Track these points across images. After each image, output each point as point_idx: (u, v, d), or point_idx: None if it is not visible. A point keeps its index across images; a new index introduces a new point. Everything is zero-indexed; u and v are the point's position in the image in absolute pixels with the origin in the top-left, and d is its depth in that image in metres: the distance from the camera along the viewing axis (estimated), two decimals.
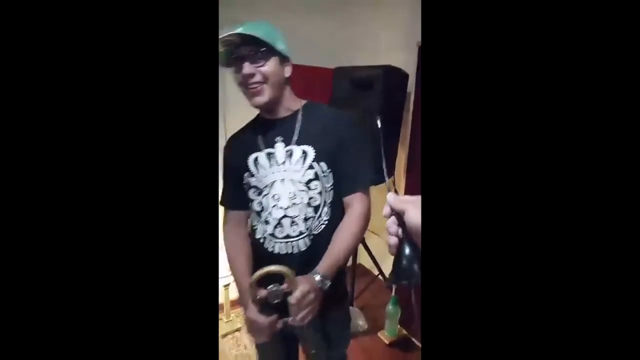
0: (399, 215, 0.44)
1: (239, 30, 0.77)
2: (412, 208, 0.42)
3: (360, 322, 1.98)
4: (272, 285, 0.77)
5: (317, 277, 0.78)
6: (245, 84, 0.82)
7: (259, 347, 1.06)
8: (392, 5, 2.05)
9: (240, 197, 0.94)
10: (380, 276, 2.17)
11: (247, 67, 0.80)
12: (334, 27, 1.98)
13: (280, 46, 0.82)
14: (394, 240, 0.43)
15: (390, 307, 1.84)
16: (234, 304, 2.05)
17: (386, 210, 0.45)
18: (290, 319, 0.75)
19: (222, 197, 0.99)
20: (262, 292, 0.77)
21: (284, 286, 0.75)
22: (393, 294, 1.95)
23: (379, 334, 1.91)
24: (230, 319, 2.02)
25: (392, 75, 1.68)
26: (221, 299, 1.96)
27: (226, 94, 1.80)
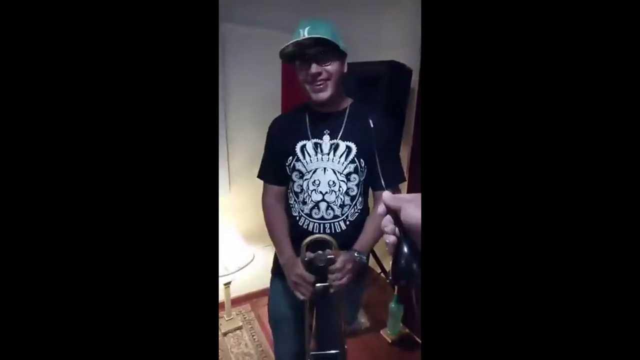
0: (395, 213, 0.43)
1: (307, 30, 0.85)
2: (409, 206, 0.42)
3: (362, 320, 1.97)
4: (320, 251, 0.92)
5: (355, 254, 0.94)
6: (311, 81, 0.90)
7: (276, 309, 1.16)
8: (395, 1, 2.02)
9: (280, 174, 1.04)
10: (382, 274, 2.16)
11: (315, 67, 0.88)
12: (336, 23, 1.96)
13: (341, 44, 0.90)
14: (392, 239, 0.43)
15: (392, 305, 1.83)
16: (235, 302, 2.04)
17: (381, 208, 0.45)
18: (328, 283, 0.90)
19: (261, 171, 1.11)
20: (311, 255, 0.91)
21: (329, 253, 0.90)
22: (395, 292, 1.94)
23: (381, 332, 1.90)
24: (232, 317, 2.01)
25: (396, 71, 1.66)
26: (222, 297, 1.95)
27: (227, 88, 1.78)
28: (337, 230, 1.00)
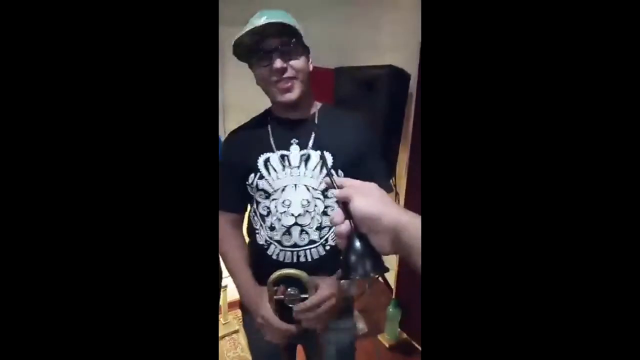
0: (344, 205, 0.42)
1: (264, 20, 0.70)
2: (358, 196, 0.41)
3: (360, 325, 1.96)
4: (290, 289, 0.76)
5: (342, 281, 0.78)
6: (276, 80, 0.75)
7: (255, 346, 1.03)
8: (393, 4, 2.04)
9: (234, 199, 0.88)
10: (379, 279, 2.16)
11: (279, 62, 0.73)
12: (335, 27, 1.97)
13: (304, 38, 0.76)
14: (343, 228, 0.41)
15: (390, 309, 1.82)
16: (231, 306, 2.03)
17: (323, 181, 0.43)
18: (304, 324, 0.76)
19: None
20: (280, 294, 0.76)
21: (304, 295, 0.75)
22: (393, 296, 1.94)
23: (379, 336, 1.90)
24: (228, 320, 2.00)
25: (394, 76, 1.67)
26: (220, 301, 1.94)
27: (225, 93, 1.78)
28: (315, 257, 0.82)
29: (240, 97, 1.71)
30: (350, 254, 0.41)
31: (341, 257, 0.43)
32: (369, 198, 0.41)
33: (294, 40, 0.74)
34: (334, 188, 0.45)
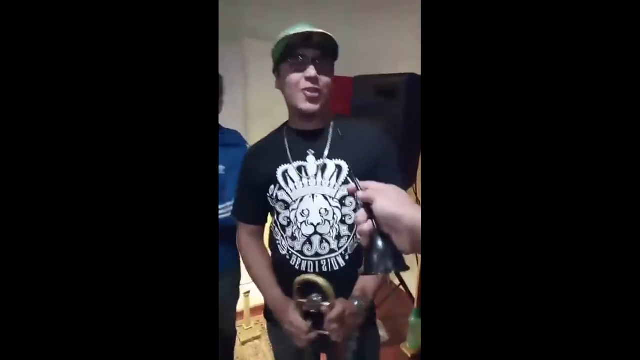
0: (367, 205, 0.44)
1: (308, 27, 0.73)
2: (380, 198, 0.43)
3: (381, 333, 1.94)
4: (314, 295, 0.77)
5: (355, 302, 0.78)
6: (305, 87, 0.76)
7: (279, 355, 1.04)
8: (413, 12, 2.04)
9: (255, 211, 0.91)
10: (401, 287, 2.13)
11: (314, 71, 0.74)
12: (354, 36, 2.00)
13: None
14: (365, 227, 0.43)
15: (412, 319, 1.80)
16: (254, 311, 2.05)
17: (349, 187, 0.47)
18: (325, 332, 0.76)
19: (236, 209, 0.97)
20: (302, 300, 0.78)
21: (325, 303, 0.75)
22: (415, 306, 1.91)
23: (400, 345, 1.87)
24: (251, 326, 2.02)
25: (415, 83, 1.67)
26: (242, 306, 1.97)
27: (249, 102, 1.83)
28: (335, 268, 0.84)
29: (263, 106, 1.76)
30: (372, 251, 0.43)
31: (364, 256, 0.45)
32: (390, 199, 0.43)
33: (330, 56, 0.77)
34: (358, 190, 0.47)
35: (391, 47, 2.15)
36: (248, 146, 1.19)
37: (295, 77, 0.77)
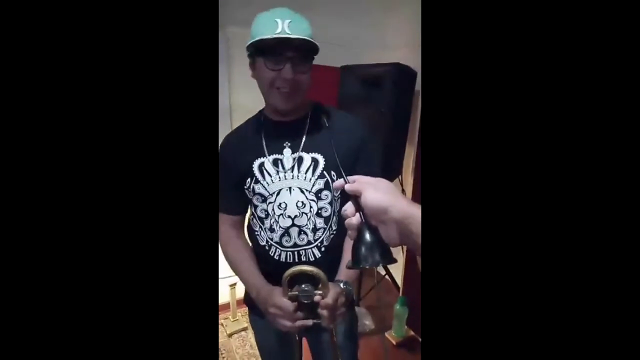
0: (356, 198, 0.44)
1: (288, 25, 0.70)
2: (368, 190, 0.43)
3: (367, 322, 1.97)
4: (304, 285, 0.77)
5: (342, 285, 0.79)
6: (278, 86, 0.75)
7: (262, 342, 1.05)
8: (399, 2, 2.03)
9: (234, 201, 0.90)
10: (387, 276, 2.16)
11: (289, 72, 0.73)
12: (340, 25, 1.97)
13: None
14: (353, 220, 0.44)
15: (398, 307, 1.83)
16: (240, 303, 2.05)
17: (336, 184, 0.47)
18: (319, 321, 0.77)
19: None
20: (293, 291, 0.77)
21: (318, 291, 0.76)
22: (400, 294, 1.94)
23: (386, 334, 1.90)
24: (237, 318, 2.02)
25: (400, 73, 1.66)
26: (228, 298, 1.96)
27: (232, 93, 1.79)
28: (311, 259, 0.85)
29: (247, 98, 1.72)
30: (361, 244, 0.43)
31: (352, 248, 0.45)
32: (378, 191, 0.43)
33: (308, 56, 0.75)
34: (346, 183, 0.47)
35: (377, 36, 2.14)
36: None
37: (270, 74, 0.75)
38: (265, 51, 0.73)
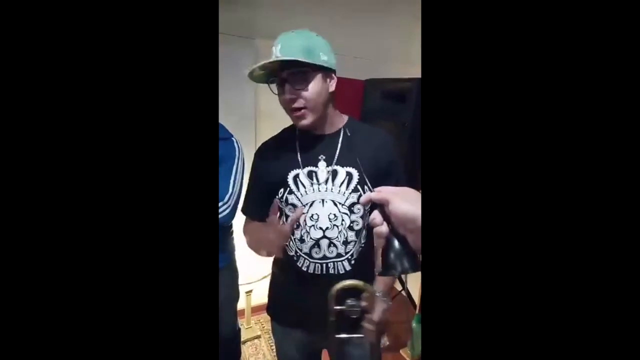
0: (382, 207, 0.45)
1: (278, 49, 0.74)
2: (395, 199, 0.43)
3: (382, 338, 1.93)
4: (350, 300, 0.77)
5: (383, 297, 0.82)
6: (288, 108, 0.79)
7: (282, 351, 1.05)
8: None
9: (265, 208, 0.89)
10: (403, 292, 2.12)
11: (289, 92, 0.76)
12: (365, 38, 2.00)
13: (323, 58, 0.77)
14: (383, 229, 0.44)
15: (414, 324, 1.79)
16: (255, 310, 2.06)
17: (364, 198, 0.47)
18: (362, 336, 0.78)
19: (245, 206, 0.97)
20: (341, 307, 0.78)
21: (363, 303, 0.76)
22: (417, 311, 1.89)
23: (401, 351, 1.86)
24: (251, 325, 2.02)
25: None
26: (243, 305, 1.97)
27: (258, 101, 1.83)
28: (341, 272, 0.86)
29: (273, 106, 1.74)
30: (390, 252, 0.43)
31: (381, 256, 0.45)
32: (406, 200, 0.43)
33: (305, 68, 0.75)
34: (372, 191, 0.48)
35: (402, 51, 2.15)
36: (234, 139, 1.18)
37: (280, 98, 0.80)
38: (269, 78, 0.79)
